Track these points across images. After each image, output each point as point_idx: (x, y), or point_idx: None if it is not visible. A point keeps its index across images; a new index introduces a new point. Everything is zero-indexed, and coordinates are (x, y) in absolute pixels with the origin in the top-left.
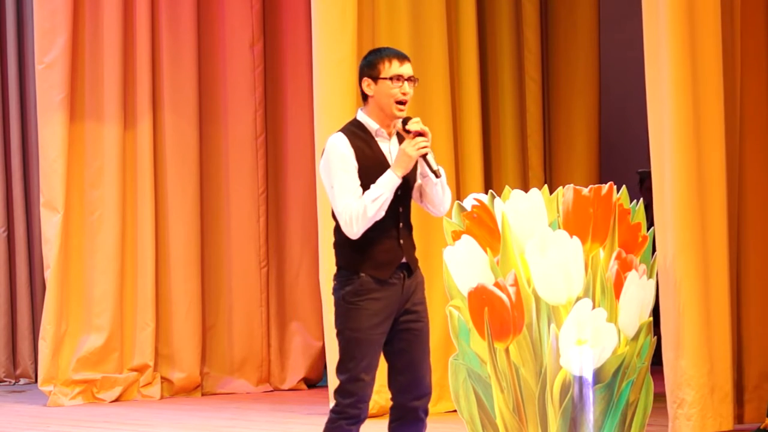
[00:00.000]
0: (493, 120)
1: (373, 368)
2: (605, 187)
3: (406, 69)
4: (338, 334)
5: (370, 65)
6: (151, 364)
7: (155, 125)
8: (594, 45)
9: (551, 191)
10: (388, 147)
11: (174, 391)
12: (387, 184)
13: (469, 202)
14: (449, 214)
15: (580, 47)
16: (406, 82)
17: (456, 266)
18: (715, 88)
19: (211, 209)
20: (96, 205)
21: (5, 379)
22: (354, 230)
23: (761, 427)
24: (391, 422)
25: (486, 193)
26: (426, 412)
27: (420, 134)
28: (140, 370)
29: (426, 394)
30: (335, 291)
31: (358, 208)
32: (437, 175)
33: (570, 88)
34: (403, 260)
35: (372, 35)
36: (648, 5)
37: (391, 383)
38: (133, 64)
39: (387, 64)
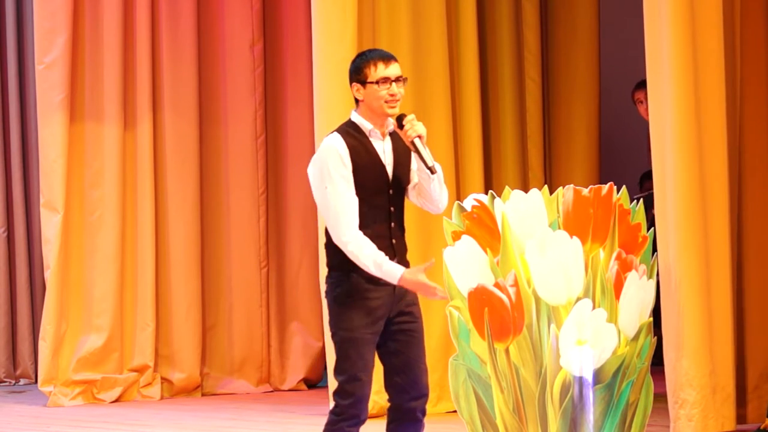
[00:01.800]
0: (493, 120)
1: (369, 368)
2: (605, 187)
3: (393, 70)
4: (333, 336)
5: (357, 70)
6: (151, 364)
7: (155, 125)
8: (594, 45)
9: (551, 191)
10: (382, 146)
11: (174, 392)
12: (385, 274)
13: (469, 203)
14: (449, 215)
15: (580, 47)
16: (393, 84)
17: (456, 266)
18: (716, 87)
19: (211, 209)
20: (96, 205)
21: (5, 380)
22: (340, 242)
23: (761, 428)
24: (388, 423)
25: (486, 193)
26: (423, 413)
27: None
28: (140, 370)
29: (423, 395)
30: (327, 294)
31: (355, 248)
32: (432, 171)
33: (570, 88)
34: (395, 261)
35: (372, 35)
36: (649, 5)
37: (388, 385)
38: (133, 64)
39: (373, 68)
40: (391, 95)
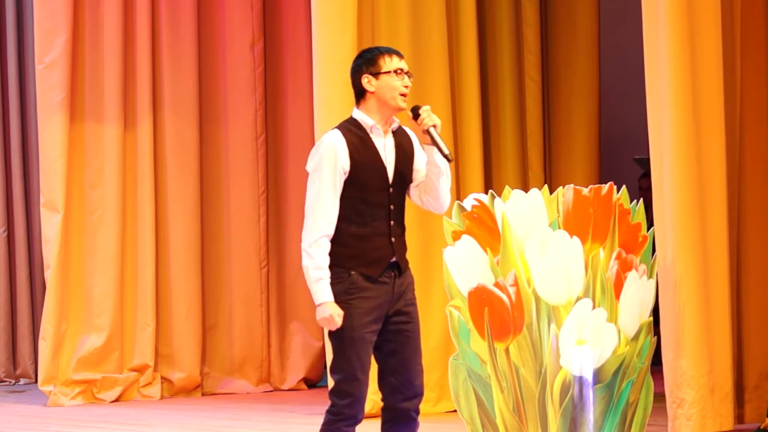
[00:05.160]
0: (493, 120)
1: (366, 367)
2: (605, 187)
3: (404, 64)
4: (330, 334)
5: (369, 62)
6: (151, 364)
7: (155, 125)
8: (594, 45)
9: (551, 191)
10: (383, 143)
11: (174, 391)
12: (314, 291)
13: (469, 202)
14: (449, 215)
15: (580, 47)
16: (405, 76)
17: (456, 266)
18: (715, 87)
19: (211, 209)
20: (96, 205)
21: (5, 379)
22: (304, 240)
23: (761, 427)
24: (383, 423)
25: (486, 193)
26: (417, 412)
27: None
28: (140, 370)
29: (417, 395)
30: None
31: (311, 252)
32: (450, 159)
33: (570, 88)
34: (393, 259)
35: (372, 35)
36: (647, 4)
37: (382, 385)
38: (133, 64)
39: (387, 58)
40: (405, 87)
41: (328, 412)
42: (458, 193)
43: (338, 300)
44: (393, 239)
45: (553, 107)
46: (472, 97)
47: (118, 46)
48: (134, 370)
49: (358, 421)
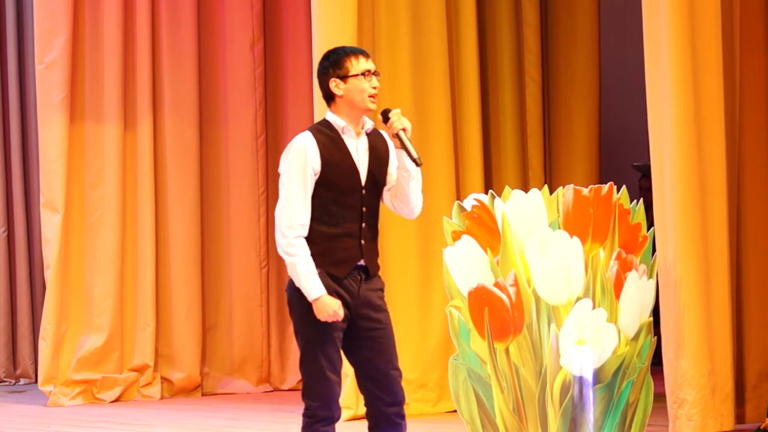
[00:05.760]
0: (493, 120)
1: (337, 366)
2: (605, 187)
3: (371, 64)
4: (296, 334)
5: (336, 65)
6: (151, 364)
7: (155, 125)
8: (594, 45)
9: (551, 191)
10: (355, 145)
11: (174, 391)
12: (305, 287)
13: (469, 202)
14: (449, 215)
15: (580, 47)
16: (373, 76)
17: (456, 266)
18: (715, 87)
19: (211, 209)
20: (96, 205)
21: (5, 379)
22: (279, 239)
23: (761, 427)
24: (369, 429)
25: (486, 193)
26: (401, 416)
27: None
28: (140, 370)
29: (397, 402)
30: (289, 288)
31: (291, 249)
32: (418, 163)
33: (570, 88)
34: (362, 262)
35: (372, 35)
36: (648, 4)
37: (362, 390)
38: (133, 64)
39: (354, 60)
40: (374, 88)
41: (304, 415)
42: (458, 193)
43: (303, 299)
44: (363, 242)
45: (553, 107)
46: (472, 97)
47: (118, 46)
48: (134, 370)
49: (336, 420)
